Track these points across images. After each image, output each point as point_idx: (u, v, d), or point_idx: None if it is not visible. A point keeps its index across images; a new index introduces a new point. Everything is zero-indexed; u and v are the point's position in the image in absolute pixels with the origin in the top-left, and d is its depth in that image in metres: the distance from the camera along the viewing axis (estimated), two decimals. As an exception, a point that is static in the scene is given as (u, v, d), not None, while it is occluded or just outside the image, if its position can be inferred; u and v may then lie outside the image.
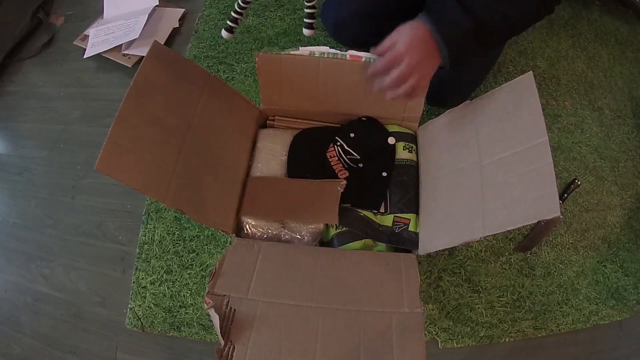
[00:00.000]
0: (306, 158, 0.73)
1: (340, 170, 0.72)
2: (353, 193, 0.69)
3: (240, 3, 0.82)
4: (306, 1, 0.86)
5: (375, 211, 0.70)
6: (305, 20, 0.87)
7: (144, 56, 0.58)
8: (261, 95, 0.75)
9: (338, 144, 0.74)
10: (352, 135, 0.75)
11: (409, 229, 0.67)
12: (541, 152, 0.50)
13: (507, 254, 0.80)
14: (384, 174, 0.71)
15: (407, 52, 0.54)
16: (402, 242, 0.67)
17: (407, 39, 0.55)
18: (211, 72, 0.67)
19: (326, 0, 0.95)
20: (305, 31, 0.88)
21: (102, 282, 0.84)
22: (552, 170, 0.48)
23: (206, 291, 0.56)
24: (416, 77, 0.55)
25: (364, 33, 0.93)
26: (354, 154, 0.73)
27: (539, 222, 0.80)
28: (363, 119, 0.75)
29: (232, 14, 0.84)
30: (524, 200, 0.50)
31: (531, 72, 0.56)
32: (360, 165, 0.72)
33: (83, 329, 0.80)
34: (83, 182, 0.96)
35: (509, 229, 0.49)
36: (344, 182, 0.68)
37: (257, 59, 0.68)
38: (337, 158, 0.73)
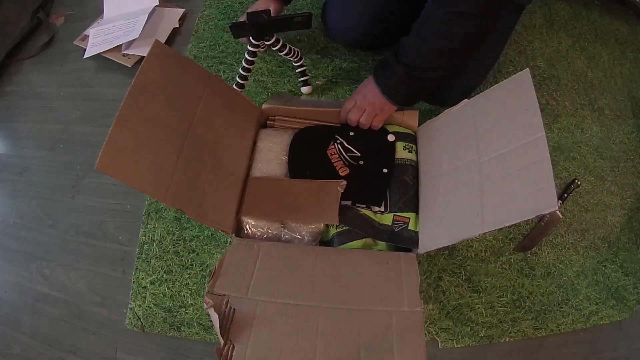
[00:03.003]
0: (307, 155, 0.73)
1: (341, 167, 0.72)
2: (354, 190, 0.69)
3: (245, 64, 0.84)
4: (295, 63, 0.90)
5: (377, 209, 0.70)
6: (300, 79, 0.93)
7: (144, 56, 0.58)
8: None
9: (338, 141, 0.74)
10: (351, 133, 0.75)
11: (409, 227, 0.67)
12: (538, 148, 0.50)
13: (507, 254, 0.80)
14: (385, 170, 0.71)
15: (365, 106, 0.72)
16: (402, 241, 0.67)
17: (361, 95, 0.73)
18: (211, 72, 0.68)
19: (326, 2, 0.95)
20: (303, 89, 0.94)
21: (102, 282, 0.84)
22: (550, 165, 0.48)
23: (206, 291, 0.56)
24: (378, 118, 0.73)
25: (366, 35, 0.93)
26: (355, 151, 0.74)
27: (539, 221, 0.81)
28: None
29: (241, 71, 0.86)
30: (522, 196, 0.50)
31: (528, 69, 0.56)
32: (361, 162, 0.73)
33: (83, 329, 0.80)
34: (83, 182, 0.96)
35: (508, 224, 0.50)
36: (344, 182, 0.68)
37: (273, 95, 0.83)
38: (337, 155, 0.73)
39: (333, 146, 0.74)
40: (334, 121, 0.78)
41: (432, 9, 0.62)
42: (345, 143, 0.74)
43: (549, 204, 0.46)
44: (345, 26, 0.93)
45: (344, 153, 0.73)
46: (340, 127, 0.76)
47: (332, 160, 0.73)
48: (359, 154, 0.73)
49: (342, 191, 0.68)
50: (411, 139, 0.77)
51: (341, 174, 0.71)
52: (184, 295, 0.79)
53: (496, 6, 0.60)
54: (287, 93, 0.95)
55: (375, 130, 0.75)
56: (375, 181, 0.71)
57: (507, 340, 0.73)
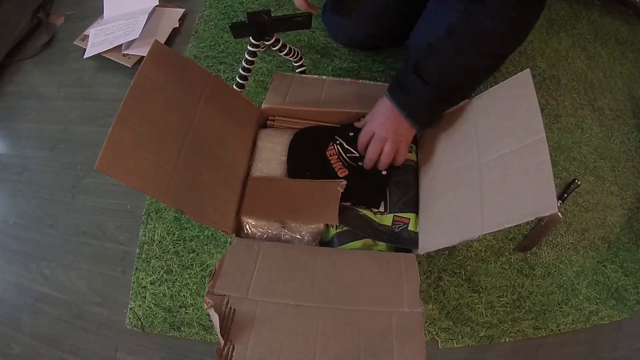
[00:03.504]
0: (306, 156, 0.73)
1: (340, 168, 0.71)
2: (353, 191, 0.69)
3: (245, 64, 0.84)
4: (295, 63, 0.90)
5: (375, 210, 0.70)
6: None
7: (144, 56, 0.58)
8: (266, 98, 0.76)
9: (338, 142, 0.74)
10: (351, 134, 0.74)
11: (409, 228, 0.67)
12: (539, 149, 0.50)
13: (507, 254, 0.80)
14: (384, 172, 0.71)
15: (386, 135, 0.66)
16: (402, 242, 0.67)
17: (378, 123, 0.67)
18: (211, 72, 0.68)
19: (327, 2, 0.95)
20: None
21: (102, 282, 0.84)
22: (550, 167, 0.48)
23: (206, 291, 0.56)
24: (404, 145, 0.68)
25: (367, 35, 0.93)
26: (354, 152, 0.73)
27: (539, 221, 0.81)
28: (361, 119, 0.75)
29: (241, 71, 0.86)
30: (522, 198, 0.50)
31: (528, 69, 0.56)
32: (360, 163, 0.72)
33: (83, 329, 0.80)
34: (83, 182, 0.96)
35: (508, 226, 0.50)
36: (344, 182, 0.68)
37: (274, 76, 0.79)
38: (336, 157, 0.73)
39: (332, 147, 0.74)
40: (334, 121, 0.78)
41: (457, 25, 0.59)
42: (345, 144, 0.74)
43: (549, 206, 0.46)
44: (346, 26, 0.93)
45: (343, 154, 0.73)
46: (340, 127, 0.76)
47: (332, 162, 0.72)
48: (358, 155, 0.73)
49: (342, 191, 0.68)
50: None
51: (340, 175, 0.71)
52: (184, 295, 0.79)
53: (526, 24, 0.57)
54: (289, 73, 0.90)
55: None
56: (374, 182, 0.70)
57: (507, 340, 0.73)
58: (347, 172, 0.71)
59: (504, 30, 0.56)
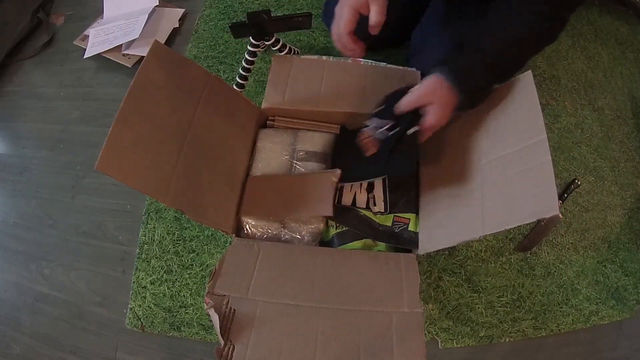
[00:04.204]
0: (348, 158, 0.69)
1: (369, 149, 0.64)
2: (382, 160, 0.63)
3: (245, 64, 0.84)
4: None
5: (377, 209, 0.70)
6: None
7: (144, 56, 0.58)
8: (265, 93, 0.75)
9: (368, 123, 0.64)
10: (379, 108, 0.64)
11: (409, 228, 0.67)
12: (540, 151, 0.50)
13: (507, 254, 0.80)
14: (411, 131, 0.59)
15: (437, 117, 0.58)
16: (402, 242, 0.67)
17: (439, 107, 0.57)
18: (211, 72, 0.68)
19: (327, 2, 0.95)
20: None
21: (102, 282, 0.84)
22: (551, 168, 0.48)
23: (206, 291, 0.56)
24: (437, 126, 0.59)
25: (368, 35, 0.93)
26: (385, 123, 0.63)
27: (539, 221, 0.81)
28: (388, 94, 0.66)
29: (241, 71, 0.85)
30: (523, 199, 0.50)
31: (530, 71, 0.56)
32: (394, 130, 0.62)
33: (83, 329, 0.80)
34: (83, 182, 0.96)
35: (508, 227, 0.49)
36: (338, 171, 0.68)
37: (273, 59, 0.75)
38: (368, 137, 0.64)
39: (363, 132, 0.65)
40: (336, 121, 0.77)
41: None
42: (374, 120, 0.64)
43: (550, 207, 0.46)
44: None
45: (374, 133, 0.63)
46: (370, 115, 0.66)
47: (363, 144, 0.64)
48: (391, 123, 0.62)
49: (337, 180, 0.67)
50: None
51: (368, 154, 0.64)
52: (184, 295, 0.79)
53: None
54: (290, 56, 0.88)
55: (403, 93, 0.61)
56: (402, 144, 0.61)
57: (507, 340, 0.73)
58: (375, 149, 0.63)
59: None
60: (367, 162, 0.64)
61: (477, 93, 0.61)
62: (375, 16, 0.56)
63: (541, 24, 0.55)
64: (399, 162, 0.63)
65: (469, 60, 0.57)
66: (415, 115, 0.60)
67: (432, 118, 0.57)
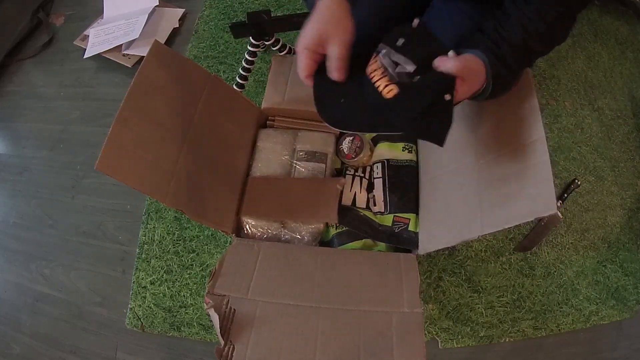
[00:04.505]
0: (348, 93, 0.54)
1: (387, 86, 0.49)
2: (407, 116, 0.49)
3: (245, 64, 0.84)
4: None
5: (377, 209, 0.70)
6: None
7: (144, 56, 0.58)
8: (265, 93, 0.75)
9: (383, 52, 0.51)
10: (401, 41, 0.52)
11: (409, 228, 0.67)
12: (538, 150, 0.50)
13: (507, 254, 0.80)
14: (447, 97, 0.49)
15: (461, 95, 0.51)
16: (402, 242, 0.67)
17: (467, 85, 0.51)
18: (211, 72, 0.68)
19: None
20: None
21: (102, 282, 0.84)
22: (549, 167, 0.48)
23: (206, 291, 0.56)
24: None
25: (369, 36, 0.93)
26: (407, 63, 0.50)
27: (539, 221, 0.81)
28: (412, 26, 0.54)
29: (241, 71, 0.85)
30: (521, 198, 0.50)
31: (529, 69, 0.56)
32: (417, 78, 0.49)
33: (83, 329, 0.80)
34: (83, 182, 0.96)
35: (507, 227, 0.50)
36: (344, 180, 0.68)
37: (273, 59, 0.75)
38: (381, 70, 0.51)
39: (375, 60, 0.52)
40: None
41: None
42: (394, 53, 0.51)
43: (549, 206, 0.46)
44: (358, 22, 0.93)
45: (389, 69, 0.50)
46: (384, 36, 0.53)
47: (373, 80, 0.51)
48: (413, 67, 0.49)
49: (342, 189, 0.67)
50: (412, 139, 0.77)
51: (387, 95, 0.49)
52: (184, 295, 0.79)
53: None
54: (290, 56, 0.87)
55: (434, 41, 0.53)
56: (436, 107, 0.49)
57: (507, 340, 0.73)
58: (397, 91, 0.49)
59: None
60: (381, 107, 0.50)
61: (500, 83, 0.55)
62: (334, 72, 0.50)
63: (559, 22, 0.54)
64: (431, 126, 0.50)
65: (501, 50, 0.52)
66: (452, 81, 0.49)
67: (458, 95, 0.50)
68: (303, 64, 0.50)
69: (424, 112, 0.50)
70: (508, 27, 0.53)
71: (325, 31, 0.49)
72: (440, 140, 0.51)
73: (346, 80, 0.52)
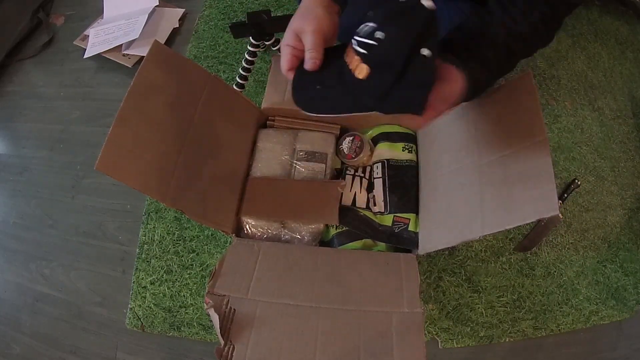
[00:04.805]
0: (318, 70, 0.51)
1: (358, 66, 0.45)
2: (377, 93, 0.45)
3: (245, 64, 0.83)
4: None
5: (377, 209, 0.70)
6: None
7: (144, 56, 0.58)
8: (265, 93, 0.75)
9: (355, 35, 0.46)
10: (370, 13, 0.47)
11: (409, 228, 0.67)
12: (540, 151, 0.50)
13: (507, 254, 0.80)
14: (425, 52, 0.42)
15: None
16: (402, 242, 0.67)
17: (448, 99, 0.51)
18: (211, 72, 0.68)
19: None
20: None
21: (102, 282, 0.84)
22: (551, 168, 0.48)
23: (206, 291, 0.56)
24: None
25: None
26: (372, 29, 0.44)
27: (539, 221, 0.81)
28: None
29: (241, 71, 0.85)
30: (523, 199, 0.50)
31: (530, 71, 0.56)
32: (379, 36, 0.43)
33: (83, 329, 0.80)
34: (83, 182, 0.96)
35: (508, 227, 0.50)
36: (344, 182, 0.68)
37: (272, 59, 0.74)
38: (353, 52, 0.46)
39: (349, 47, 0.48)
40: (338, 121, 0.77)
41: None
42: (363, 30, 0.45)
43: (550, 208, 0.46)
44: (348, 26, 0.93)
45: (359, 48, 0.45)
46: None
47: (348, 63, 0.47)
48: (374, 24, 0.44)
49: (342, 191, 0.68)
50: (411, 139, 0.77)
51: (358, 76, 0.45)
52: (184, 295, 0.79)
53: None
54: None
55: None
56: (408, 68, 0.43)
57: (507, 340, 0.73)
58: (368, 70, 0.45)
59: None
60: (354, 88, 0.47)
61: (481, 87, 0.55)
62: (307, 62, 0.49)
63: (543, 24, 0.54)
64: (407, 93, 0.45)
65: (484, 54, 0.52)
66: (417, 24, 0.44)
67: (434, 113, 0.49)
68: (284, 59, 0.51)
69: (398, 78, 0.44)
70: (492, 30, 0.53)
71: (299, 25, 0.50)
72: (418, 108, 0.47)
73: (325, 70, 0.50)
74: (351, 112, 0.50)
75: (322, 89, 0.51)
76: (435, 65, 0.45)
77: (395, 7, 0.45)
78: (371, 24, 0.44)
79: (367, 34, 0.45)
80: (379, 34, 0.44)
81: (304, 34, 0.49)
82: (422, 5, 0.43)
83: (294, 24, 0.51)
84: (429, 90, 0.46)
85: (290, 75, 0.52)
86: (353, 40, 0.46)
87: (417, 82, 0.45)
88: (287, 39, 0.51)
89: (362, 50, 0.45)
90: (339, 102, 0.51)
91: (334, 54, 0.50)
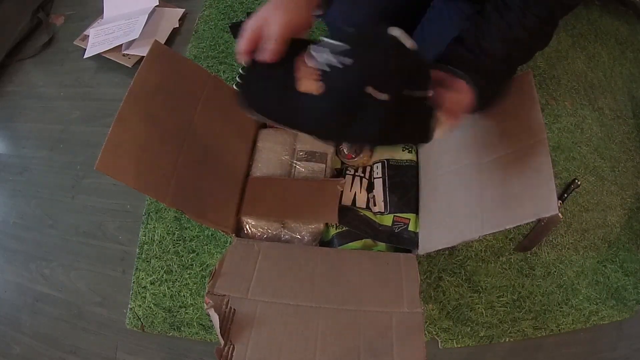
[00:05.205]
0: (265, 88, 0.46)
1: (308, 79, 0.41)
2: (318, 116, 0.41)
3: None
4: None
5: (377, 209, 0.70)
6: None
7: (144, 56, 0.58)
8: None
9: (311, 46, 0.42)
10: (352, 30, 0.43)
11: (409, 228, 0.67)
12: (539, 151, 0.50)
13: (507, 254, 0.80)
14: (383, 96, 0.38)
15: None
16: (402, 242, 0.67)
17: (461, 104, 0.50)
18: (211, 72, 0.68)
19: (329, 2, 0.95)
20: None
21: (102, 282, 0.84)
22: (551, 168, 0.48)
23: (206, 291, 0.56)
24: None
25: None
26: (341, 43, 0.40)
27: (539, 221, 0.81)
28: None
29: (241, 71, 0.85)
30: (522, 199, 0.50)
31: (530, 70, 0.56)
32: (347, 62, 0.39)
33: (83, 329, 0.80)
34: (83, 182, 0.96)
35: (508, 227, 0.50)
36: (344, 180, 0.68)
37: None
38: (306, 67, 0.42)
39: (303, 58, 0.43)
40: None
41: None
42: (333, 45, 0.41)
43: (550, 207, 0.46)
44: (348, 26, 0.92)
45: (317, 57, 0.41)
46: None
47: (300, 84, 0.42)
48: (347, 48, 0.40)
49: (342, 189, 0.68)
50: (411, 139, 0.77)
51: (300, 88, 0.42)
52: (184, 295, 0.79)
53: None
54: None
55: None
56: (364, 105, 0.39)
57: (507, 340, 0.73)
58: (323, 88, 0.40)
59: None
60: (295, 100, 0.42)
61: (485, 96, 0.54)
62: (263, 52, 0.45)
63: (540, 28, 0.53)
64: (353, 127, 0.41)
65: (483, 63, 0.52)
66: (384, 52, 0.39)
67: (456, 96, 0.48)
68: (241, 41, 0.46)
69: (345, 112, 0.40)
70: (488, 37, 0.52)
71: (265, 13, 0.45)
72: (373, 142, 0.43)
73: (279, 65, 0.45)
74: (286, 126, 0.46)
75: (266, 85, 0.46)
76: (390, 113, 0.40)
77: (376, 40, 0.41)
78: (344, 46, 0.40)
79: (335, 52, 0.40)
80: (347, 60, 0.39)
81: (267, 23, 0.45)
82: (403, 45, 0.40)
83: (262, 10, 0.46)
84: (428, 125, 0.42)
85: (240, 59, 0.48)
86: (316, 49, 0.41)
87: (365, 123, 0.41)
88: (250, 22, 0.46)
89: (322, 67, 0.41)
90: (277, 109, 0.46)
91: (294, 51, 0.44)
